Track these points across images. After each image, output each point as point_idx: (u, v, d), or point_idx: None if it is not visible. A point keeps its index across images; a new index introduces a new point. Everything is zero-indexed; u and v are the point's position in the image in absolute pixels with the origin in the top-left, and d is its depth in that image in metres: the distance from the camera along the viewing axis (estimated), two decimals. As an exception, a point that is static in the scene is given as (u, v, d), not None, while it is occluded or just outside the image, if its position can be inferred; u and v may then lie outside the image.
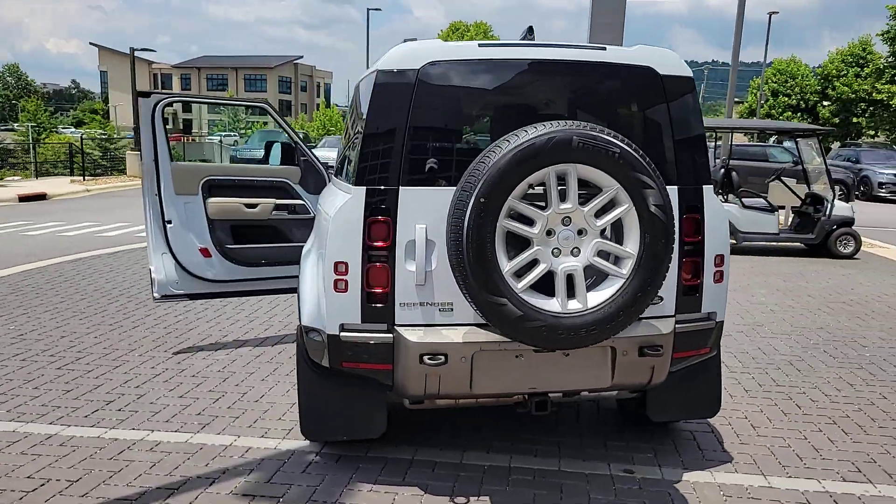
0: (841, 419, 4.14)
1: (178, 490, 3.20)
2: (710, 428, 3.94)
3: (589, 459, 3.54)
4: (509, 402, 3.22)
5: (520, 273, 2.70)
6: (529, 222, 2.70)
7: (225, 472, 3.37)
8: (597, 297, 2.73)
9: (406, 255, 2.94)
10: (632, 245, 2.70)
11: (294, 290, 5.38)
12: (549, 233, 2.70)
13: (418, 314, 2.98)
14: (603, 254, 2.75)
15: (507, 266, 2.67)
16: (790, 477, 3.41)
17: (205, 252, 5.16)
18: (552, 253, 2.71)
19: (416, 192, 2.91)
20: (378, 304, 2.96)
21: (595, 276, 2.81)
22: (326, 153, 22.57)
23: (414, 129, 2.89)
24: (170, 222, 5.03)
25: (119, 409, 4.07)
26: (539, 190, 2.68)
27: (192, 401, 4.23)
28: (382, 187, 2.91)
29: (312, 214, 5.23)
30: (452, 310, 2.99)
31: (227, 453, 3.56)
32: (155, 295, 5.10)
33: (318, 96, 79.64)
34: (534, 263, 2.71)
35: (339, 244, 2.95)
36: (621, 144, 2.60)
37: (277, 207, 5.29)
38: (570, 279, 2.72)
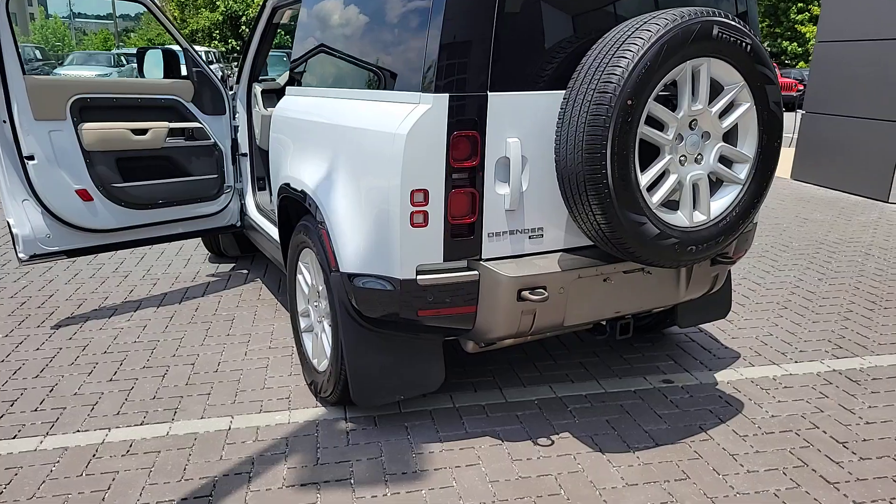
0: (786, 305, 4.51)
1: (212, 496, 2.51)
2: (696, 329, 4.05)
3: (624, 377, 3.44)
4: (578, 330, 2.97)
5: (649, 187, 2.40)
6: (660, 127, 2.39)
7: (251, 461, 2.72)
8: (717, 208, 2.53)
9: (496, 175, 2.47)
10: (748, 147, 2.53)
11: (202, 234, 4.52)
12: (677, 138, 2.42)
13: (507, 244, 2.56)
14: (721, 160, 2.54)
15: (644, 180, 2.35)
16: (797, 362, 3.63)
17: (84, 194, 4.06)
18: (679, 161, 2.44)
19: (508, 99, 2.42)
20: (463, 238, 2.48)
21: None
22: (80, 72, 19.29)
23: (506, 17, 2.36)
24: (31, 158, 3.83)
25: (35, 410, 3.11)
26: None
27: (129, 383, 3.36)
28: (468, 94, 2.37)
29: (213, 140, 4.34)
30: (542, 236, 2.61)
31: (235, 438, 2.88)
32: (20, 255, 3.92)
33: (31, 4, 67.62)
34: (663, 175, 2.42)
35: (416, 168, 2.39)
36: (752, 36, 2.37)
37: (172, 133, 4.30)
38: (693, 190, 2.48)
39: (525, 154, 2.48)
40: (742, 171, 2.55)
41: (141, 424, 3.01)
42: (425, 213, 2.43)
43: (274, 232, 3.98)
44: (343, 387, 2.92)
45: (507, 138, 2.45)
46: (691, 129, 2.43)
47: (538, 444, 2.84)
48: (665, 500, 2.49)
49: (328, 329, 3.04)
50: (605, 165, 2.24)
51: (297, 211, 3.37)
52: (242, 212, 4.66)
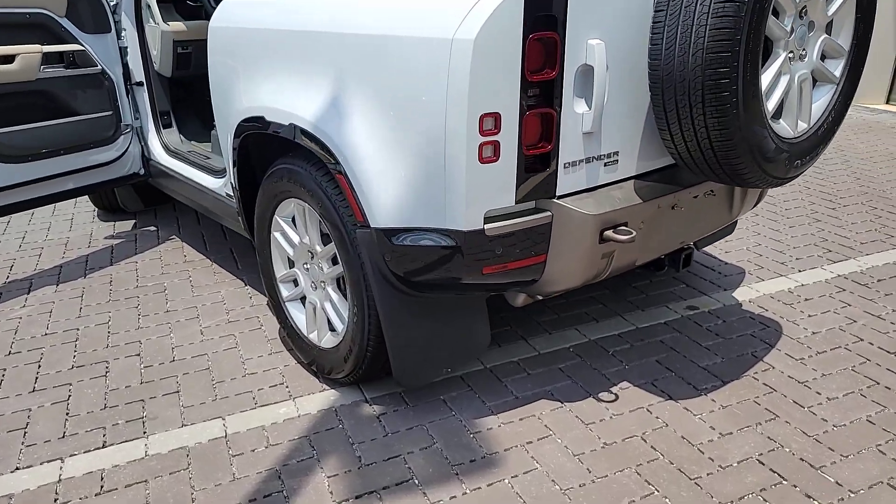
0: (756, 213, 4.41)
1: (250, 534, 1.94)
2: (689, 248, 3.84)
3: (646, 308, 3.15)
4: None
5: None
6: (777, 15, 1.98)
7: (277, 475, 2.16)
8: (814, 113, 2.19)
9: (574, 90, 1.97)
10: (843, 40, 2.19)
11: (100, 188, 3.63)
12: (790, 30, 2.02)
13: (582, 176, 2.09)
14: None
15: (764, 84, 1.95)
16: (801, 271, 3.52)
17: (-60, 151, 3.08)
18: (789, 59, 2.06)
19: None
20: (537, 172, 1.99)
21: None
22: None
23: None
24: None
25: (-48, 447, 2.30)
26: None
27: (63, 392, 2.63)
28: (544, -17, 1.82)
29: (100, 67, 3.44)
30: (617, 161, 2.16)
31: (240, 447, 2.29)
32: None
33: None
34: (776, 77, 2.03)
35: (486, 86, 1.83)
36: None
37: (47, 59, 3.34)
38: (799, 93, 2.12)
39: (608, 60, 1.98)
40: (837, 68, 2.21)
41: (104, 447, 2.31)
42: (496, 145, 1.89)
43: (202, 177, 3.23)
44: (369, 364, 2.38)
45: (589, 40, 1.93)
46: (801, 18, 2.04)
47: (602, 401, 2.49)
48: (770, 447, 2.24)
49: (335, 296, 2.46)
50: (735, 67, 1.81)
51: (264, 153, 2.67)
52: (146, 157, 3.80)
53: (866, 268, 3.54)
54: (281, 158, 2.48)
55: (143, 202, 4.49)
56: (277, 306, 2.79)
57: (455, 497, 2.05)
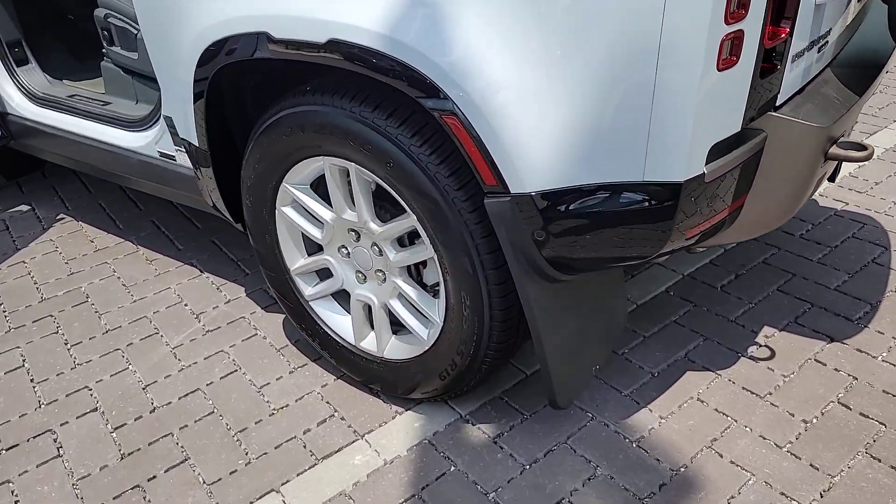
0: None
1: None
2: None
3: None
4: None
5: None
6: None
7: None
8: None
9: None
10: None
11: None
12: None
13: (798, 72, 1.44)
14: None
15: None
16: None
17: None
18: None
19: None
20: (767, 73, 1.31)
21: None
22: None
23: None
24: None
25: None
26: None
27: (32, 494, 1.72)
28: None
29: None
30: (827, 43, 1.52)
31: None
32: None
33: None
34: None
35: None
36: None
37: None
38: None
39: None
40: None
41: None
42: (739, 37, 1.18)
43: (108, 133, 2.27)
44: (482, 378, 1.68)
45: None
46: None
47: (758, 359, 1.96)
48: None
49: (411, 290, 1.70)
50: None
51: (250, 93, 1.78)
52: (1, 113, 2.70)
53: (905, 136, 3.21)
54: (293, 98, 1.60)
55: (2, 174, 3.30)
56: (295, 307, 1.97)
57: (678, 551, 1.47)
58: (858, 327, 2.04)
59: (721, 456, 1.67)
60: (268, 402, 1.95)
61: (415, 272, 1.74)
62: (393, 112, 1.46)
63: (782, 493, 1.57)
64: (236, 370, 2.08)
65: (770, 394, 1.84)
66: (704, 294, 2.23)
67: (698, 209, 1.31)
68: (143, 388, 2.04)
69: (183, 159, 2.13)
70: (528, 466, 1.68)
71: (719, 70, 1.17)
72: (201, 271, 2.57)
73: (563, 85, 1.23)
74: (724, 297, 2.21)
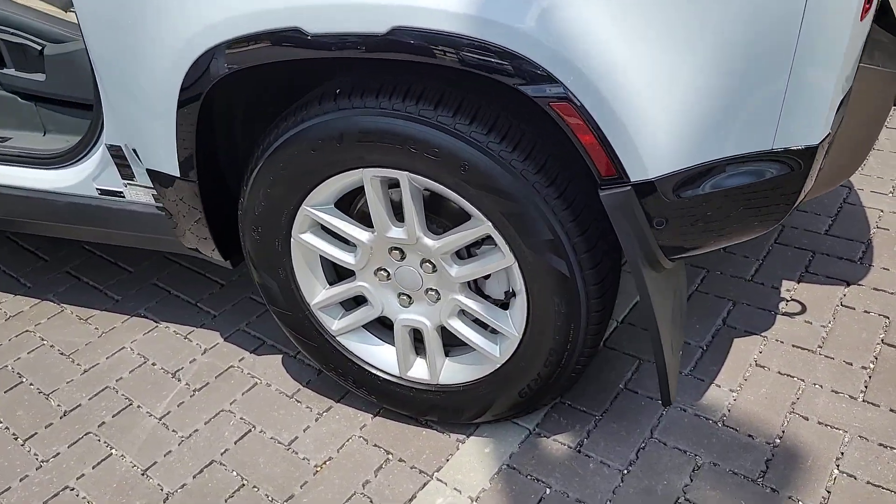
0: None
1: None
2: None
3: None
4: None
5: None
6: None
7: None
8: None
9: None
10: None
11: None
12: None
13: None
14: None
15: None
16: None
17: None
18: None
19: None
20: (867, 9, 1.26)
21: None
22: None
23: None
24: None
25: None
26: None
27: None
28: None
29: None
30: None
31: None
32: None
33: None
34: None
35: None
36: None
37: None
38: None
39: None
40: None
41: None
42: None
43: (6, 174, 1.92)
44: (563, 389, 1.54)
45: None
46: None
47: (794, 314, 1.97)
48: None
49: (476, 305, 1.51)
50: None
51: (243, 106, 1.51)
52: None
53: None
54: (318, 106, 1.35)
55: None
56: (319, 346, 1.71)
57: (816, 527, 1.42)
58: (865, 267, 2.11)
59: (807, 419, 1.64)
60: (305, 459, 1.69)
61: (474, 286, 1.55)
62: (458, 108, 1.27)
63: (881, 445, 1.56)
64: (250, 430, 1.79)
65: (820, 347, 1.84)
66: (710, 258, 2.22)
67: (819, 168, 1.24)
68: (143, 474, 1.69)
69: (135, 194, 1.79)
70: (626, 471, 1.56)
71: (861, 19, 1.09)
72: (156, 322, 2.21)
73: (693, 57, 1.09)
74: (731, 258, 2.20)
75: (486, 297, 1.55)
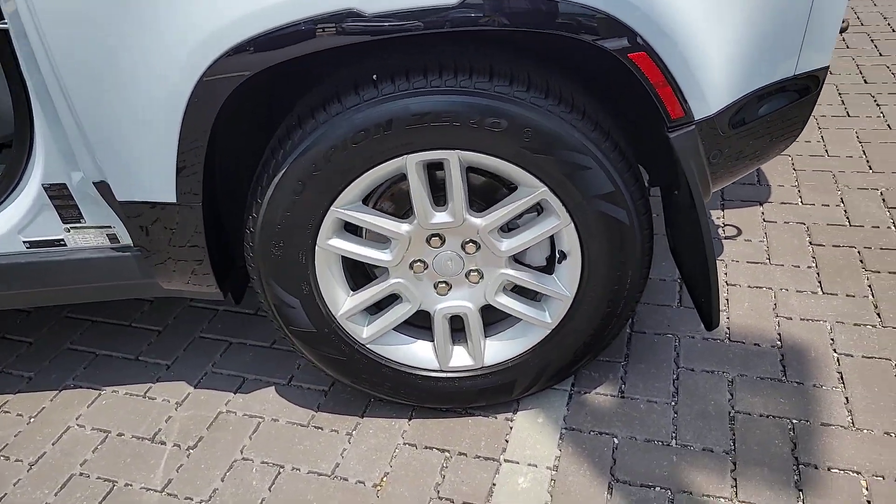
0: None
1: None
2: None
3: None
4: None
5: None
6: None
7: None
8: None
9: None
10: None
11: None
12: None
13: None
14: None
15: None
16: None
17: None
18: None
19: None
20: None
21: None
22: None
23: None
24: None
25: None
26: None
27: None
28: None
29: None
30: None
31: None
32: None
33: None
34: None
35: None
36: None
37: None
38: None
39: None
40: None
41: None
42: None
43: None
44: (615, 335, 1.60)
45: None
46: None
47: (737, 237, 2.21)
48: None
49: (528, 277, 1.52)
50: None
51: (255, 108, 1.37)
52: None
53: None
54: (355, 95, 1.26)
55: None
56: (348, 360, 1.60)
57: None
58: (765, 187, 2.41)
59: (790, 319, 1.86)
60: (359, 482, 1.57)
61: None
62: (512, 77, 1.25)
63: (856, 325, 1.82)
64: (280, 471, 1.62)
65: (768, 258, 2.08)
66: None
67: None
68: (178, 553, 1.46)
69: (82, 239, 1.53)
70: (674, 402, 1.66)
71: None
72: (96, 388, 1.90)
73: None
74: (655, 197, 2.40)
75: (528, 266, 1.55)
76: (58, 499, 1.61)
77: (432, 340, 1.61)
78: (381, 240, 1.49)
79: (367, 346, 1.58)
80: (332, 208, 1.38)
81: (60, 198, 1.47)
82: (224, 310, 2.12)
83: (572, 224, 1.40)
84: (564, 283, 1.49)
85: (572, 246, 1.44)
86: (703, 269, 1.46)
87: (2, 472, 1.68)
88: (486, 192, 1.46)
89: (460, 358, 1.61)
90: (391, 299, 1.59)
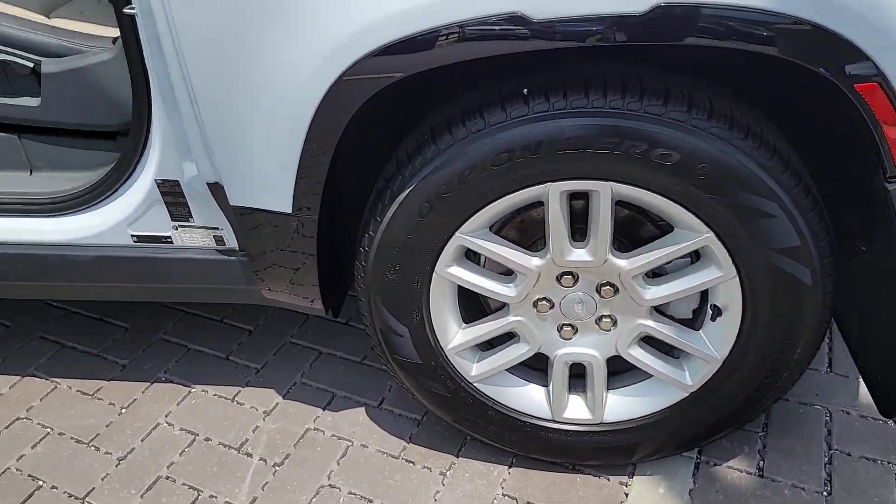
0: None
1: None
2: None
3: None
4: None
5: None
6: None
7: None
8: None
9: None
10: None
11: None
12: None
13: None
14: None
15: None
16: None
17: None
18: None
19: None
20: None
21: None
22: None
23: None
24: None
25: None
26: None
27: None
28: None
29: None
30: None
31: None
32: None
33: None
34: None
35: None
36: None
37: None
38: None
39: None
40: None
41: None
42: None
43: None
44: (771, 404, 1.38)
45: None
46: None
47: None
48: None
49: (670, 331, 1.31)
50: None
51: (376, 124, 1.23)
52: None
53: None
54: (499, 112, 1.09)
55: None
56: (452, 397, 1.44)
57: None
58: None
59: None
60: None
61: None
62: (691, 101, 1.06)
63: None
64: (370, 503, 1.49)
65: None
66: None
67: None
68: (255, 586, 1.35)
69: (188, 238, 1.44)
70: (826, 493, 1.42)
71: None
72: (187, 385, 1.83)
73: None
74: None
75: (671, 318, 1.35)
76: (143, 501, 1.54)
77: (546, 385, 1.44)
78: (503, 271, 1.32)
79: (475, 384, 1.42)
80: (457, 233, 1.22)
81: (172, 194, 1.39)
82: (315, 315, 2.02)
83: (737, 278, 1.19)
84: (714, 343, 1.29)
85: (731, 302, 1.23)
86: (892, 342, 1.22)
87: (91, 464, 1.63)
88: (626, 228, 1.28)
89: (576, 409, 1.43)
90: (505, 337, 1.42)
